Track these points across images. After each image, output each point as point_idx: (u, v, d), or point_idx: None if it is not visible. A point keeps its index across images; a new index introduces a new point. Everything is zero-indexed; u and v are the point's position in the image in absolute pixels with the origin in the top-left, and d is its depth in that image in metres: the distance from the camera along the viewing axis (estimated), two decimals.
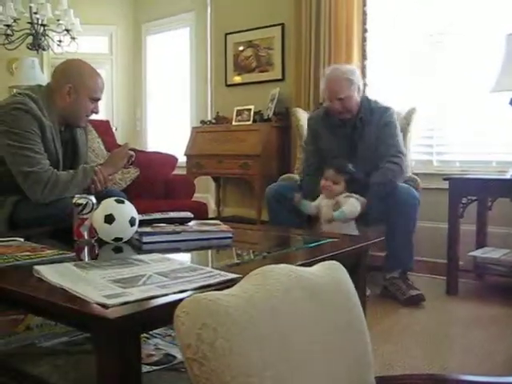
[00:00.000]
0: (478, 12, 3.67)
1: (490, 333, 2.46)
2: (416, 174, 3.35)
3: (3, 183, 2.25)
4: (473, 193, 3.16)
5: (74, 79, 2.34)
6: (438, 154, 3.92)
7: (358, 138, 3.02)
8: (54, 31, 5.10)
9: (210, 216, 4.82)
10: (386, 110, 3.04)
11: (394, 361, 2.11)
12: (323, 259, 1.13)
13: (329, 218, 2.75)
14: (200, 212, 3.41)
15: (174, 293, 1.07)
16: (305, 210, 2.89)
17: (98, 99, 2.42)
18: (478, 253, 3.26)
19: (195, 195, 4.03)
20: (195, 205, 3.56)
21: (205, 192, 5.16)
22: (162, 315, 1.01)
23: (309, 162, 3.20)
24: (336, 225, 2.73)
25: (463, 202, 3.13)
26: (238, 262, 1.49)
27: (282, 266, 0.96)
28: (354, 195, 2.78)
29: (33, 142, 2.20)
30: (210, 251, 1.77)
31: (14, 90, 5.36)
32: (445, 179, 3.18)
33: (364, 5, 4.05)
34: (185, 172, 4.65)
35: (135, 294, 1.06)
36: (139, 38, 6.27)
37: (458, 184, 3.14)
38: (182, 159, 4.63)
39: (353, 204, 2.74)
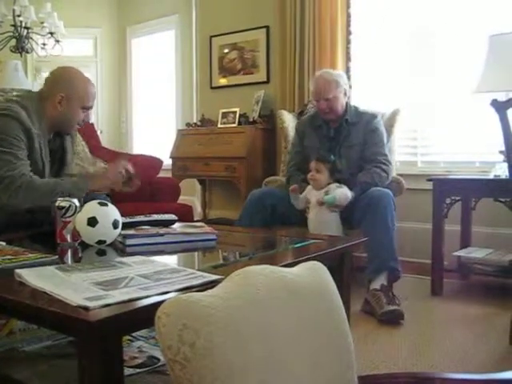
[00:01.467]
0: (462, 13, 3.71)
1: (474, 332, 2.48)
2: (400, 175, 3.37)
3: None
4: (456, 193, 3.19)
5: (67, 88, 2.31)
6: (423, 155, 3.95)
7: (343, 139, 3.09)
8: (38, 34, 5.08)
9: (196, 218, 4.81)
10: (374, 116, 3.15)
11: (378, 361, 2.12)
12: (307, 260, 1.13)
13: (318, 200, 2.79)
14: (185, 214, 3.40)
15: (156, 294, 1.07)
16: (296, 204, 2.91)
17: (90, 108, 2.40)
18: (462, 252, 3.28)
19: (181, 198, 4.02)
20: (180, 207, 3.56)
21: (191, 194, 5.15)
22: (144, 317, 1.00)
23: (292, 162, 3.28)
24: (324, 214, 2.77)
25: (447, 202, 3.15)
26: (221, 263, 1.49)
27: (264, 266, 0.96)
28: (344, 186, 2.82)
29: (16, 147, 2.17)
30: (193, 253, 1.77)
31: None
32: (428, 180, 3.21)
33: (348, 7, 4.07)
34: (170, 175, 4.64)
35: (117, 296, 1.05)
36: (124, 40, 6.25)
37: (442, 184, 3.16)
38: (167, 162, 4.62)
39: (343, 192, 2.78)
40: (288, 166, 3.33)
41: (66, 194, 2.13)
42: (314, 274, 1.01)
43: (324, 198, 2.77)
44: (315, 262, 1.05)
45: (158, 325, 0.80)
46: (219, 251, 1.78)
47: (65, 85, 2.32)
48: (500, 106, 2.28)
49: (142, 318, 1.03)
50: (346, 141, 3.08)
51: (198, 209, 5.12)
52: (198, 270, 1.29)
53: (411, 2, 3.92)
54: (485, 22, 3.56)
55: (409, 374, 1.52)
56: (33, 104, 2.27)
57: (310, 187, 2.91)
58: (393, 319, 2.58)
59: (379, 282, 2.76)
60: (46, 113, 2.31)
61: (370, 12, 4.10)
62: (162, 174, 4.11)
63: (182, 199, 4.22)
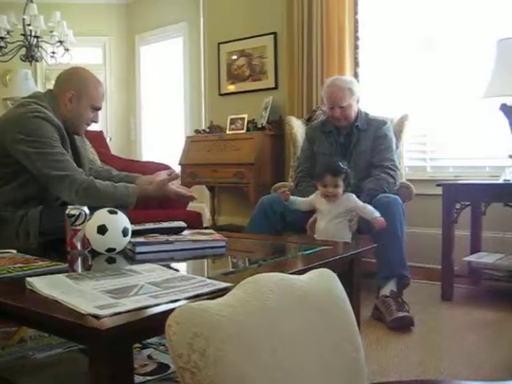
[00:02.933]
0: (470, 18, 3.70)
1: (485, 338, 2.47)
2: (410, 181, 3.36)
3: (19, 194, 2.25)
4: (466, 198, 3.17)
5: (77, 86, 2.34)
6: (432, 160, 3.94)
7: (353, 145, 3.11)
8: (48, 43, 5.13)
9: (205, 225, 4.82)
10: (384, 123, 3.16)
11: (389, 367, 2.11)
12: (316, 267, 1.13)
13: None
14: (194, 221, 3.40)
15: (166, 302, 1.07)
16: (294, 206, 2.76)
17: (99, 108, 2.42)
18: (472, 258, 3.27)
19: (190, 204, 4.03)
20: (189, 214, 3.56)
21: (199, 201, 5.15)
22: (154, 325, 1.01)
23: (301, 167, 3.27)
24: (336, 224, 2.65)
25: (457, 207, 3.14)
26: (231, 270, 1.49)
27: (274, 274, 0.97)
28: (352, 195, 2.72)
29: (59, 147, 2.21)
30: (203, 260, 1.77)
31: (8, 102, 5.38)
32: (438, 185, 3.19)
33: (355, 13, 4.07)
34: (179, 181, 4.64)
35: (127, 304, 1.06)
36: (132, 48, 6.30)
37: (452, 189, 3.15)
38: (176, 169, 4.63)
39: (370, 209, 2.66)
40: (297, 172, 3.33)
41: (123, 199, 2.19)
42: (323, 281, 1.02)
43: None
44: (325, 269, 1.05)
45: (168, 333, 0.80)
46: (229, 258, 1.78)
47: (75, 83, 2.35)
48: (509, 111, 2.27)
49: (152, 326, 1.03)
50: (355, 147, 3.09)
51: (207, 215, 5.13)
52: (208, 277, 1.29)
53: (419, 7, 3.92)
54: (493, 26, 3.55)
55: (420, 382, 1.51)
56: (48, 103, 2.30)
57: (317, 193, 2.76)
58: (403, 326, 2.57)
59: (389, 288, 2.75)
60: (59, 111, 2.34)
61: (378, 18, 4.10)
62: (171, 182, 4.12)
63: (191, 206, 4.23)
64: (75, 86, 2.34)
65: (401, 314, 2.59)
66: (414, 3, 3.94)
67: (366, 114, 3.20)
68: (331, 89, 3.14)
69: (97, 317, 0.99)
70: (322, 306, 0.97)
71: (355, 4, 4.06)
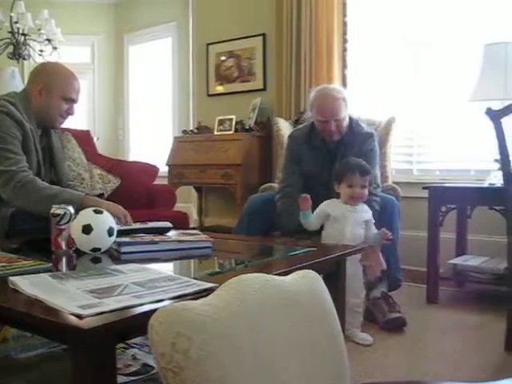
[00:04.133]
0: (458, 22, 3.73)
1: (470, 340, 2.48)
2: (396, 183, 3.37)
3: None
4: (452, 201, 3.19)
5: (47, 78, 2.33)
6: (418, 163, 3.96)
7: (338, 161, 2.83)
8: (35, 41, 5.09)
9: (192, 226, 4.81)
10: (369, 136, 2.92)
11: (374, 369, 2.12)
12: (302, 268, 1.13)
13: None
14: (181, 222, 3.40)
15: (150, 302, 1.07)
16: (307, 223, 2.53)
17: (72, 100, 2.38)
18: (458, 260, 3.29)
19: (177, 205, 4.02)
20: (176, 214, 3.56)
21: (187, 202, 5.15)
22: (138, 325, 1.00)
23: (286, 182, 2.95)
24: (357, 230, 2.48)
25: (442, 210, 3.15)
26: (216, 271, 1.49)
27: (258, 274, 0.97)
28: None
29: (12, 144, 2.18)
30: (188, 261, 1.77)
31: None
32: (424, 188, 3.21)
33: (344, 15, 4.10)
34: (167, 182, 4.64)
35: (111, 304, 1.05)
36: (121, 47, 6.27)
37: (438, 192, 3.17)
38: (164, 169, 4.62)
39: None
40: (282, 185, 2.97)
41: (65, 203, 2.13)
42: (307, 282, 1.02)
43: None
44: (309, 271, 1.05)
45: (151, 333, 0.80)
46: (214, 259, 1.78)
47: (45, 75, 2.35)
48: (494, 115, 2.29)
49: (135, 325, 1.03)
50: (340, 161, 2.78)
51: (194, 216, 5.12)
52: (193, 277, 1.29)
53: (407, 11, 3.95)
54: (480, 30, 3.58)
55: (403, 382, 1.52)
56: (20, 100, 2.30)
57: (328, 202, 2.55)
58: (396, 327, 2.60)
59: (380, 289, 2.76)
60: (32, 106, 2.33)
61: (366, 21, 4.13)
62: (158, 181, 4.12)
63: (179, 206, 4.22)
64: (44, 79, 2.34)
65: (394, 315, 2.61)
66: (402, 6, 3.97)
67: (352, 124, 2.92)
68: (325, 100, 2.84)
69: (79, 316, 0.98)
70: (305, 306, 0.97)
71: (344, 6, 4.09)
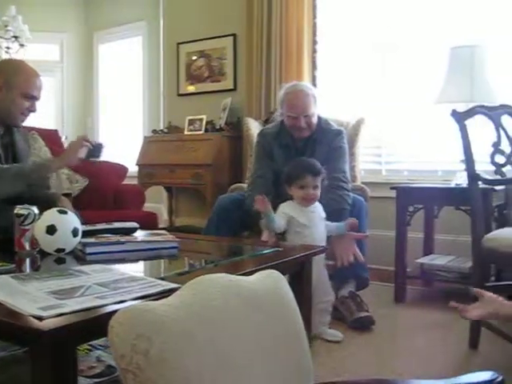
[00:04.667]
0: (424, 26, 3.78)
1: (436, 337, 2.52)
2: (365, 183, 3.40)
3: None
4: (419, 201, 3.24)
5: (6, 75, 2.30)
6: (387, 164, 4.01)
7: (309, 157, 2.80)
8: (2, 37, 5.00)
9: (163, 226, 4.78)
10: (339, 132, 2.93)
11: (343, 367, 2.13)
12: (267, 268, 1.13)
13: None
14: (150, 222, 3.37)
15: (112, 303, 1.06)
16: (273, 226, 2.40)
17: (33, 97, 2.36)
18: (425, 260, 3.34)
19: (148, 205, 4.00)
20: (145, 215, 3.54)
21: (157, 202, 5.12)
22: (100, 326, 0.99)
23: (259, 172, 2.94)
24: (322, 231, 2.47)
25: (410, 210, 3.20)
26: (179, 272, 1.48)
27: (220, 274, 0.97)
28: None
29: None
30: (154, 261, 1.76)
31: None
32: (392, 188, 3.25)
33: (314, 17, 4.12)
34: (137, 182, 4.60)
35: (72, 305, 1.04)
36: (91, 46, 6.19)
37: (405, 193, 3.20)
38: (134, 169, 4.59)
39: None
40: (254, 176, 2.95)
41: (32, 176, 2.14)
42: (270, 282, 1.02)
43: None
44: (272, 271, 1.06)
45: (111, 334, 0.79)
46: (180, 259, 1.77)
47: (4, 72, 2.33)
48: (459, 117, 2.33)
49: (97, 327, 1.01)
50: (310, 157, 2.77)
51: (164, 216, 5.09)
52: (158, 278, 1.28)
53: (375, 14, 3.99)
54: (446, 34, 3.64)
55: (371, 380, 1.53)
56: None
57: (288, 205, 2.46)
58: (364, 325, 2.62)
59: (348, 289, 2.78)
60: None
61: (336, 23, 4.16)
62: (128, 182, 4.08)
63: (149, 207, 4.20)
64: (4, 75, 2.31)
65: (362, 314, 2.63)
66: (370, 9, 4.01)
67: (321, 122, 2.92)
68: (295, 96, 2.85)
69: (39, 318, 0.97)
70: (267, 306, 0.97)
71: (314, 8, 4.11)
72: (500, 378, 0.92)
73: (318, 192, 2.43)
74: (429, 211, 3.42)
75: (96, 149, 2.35)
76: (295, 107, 2.83)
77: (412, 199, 3.22)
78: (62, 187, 3.33)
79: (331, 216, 2.55)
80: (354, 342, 2.46)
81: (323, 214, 2.50)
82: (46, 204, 2.08)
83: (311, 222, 2.41)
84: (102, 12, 6.02)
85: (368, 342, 2.47)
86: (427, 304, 3.10)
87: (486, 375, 0.95)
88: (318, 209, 2.48)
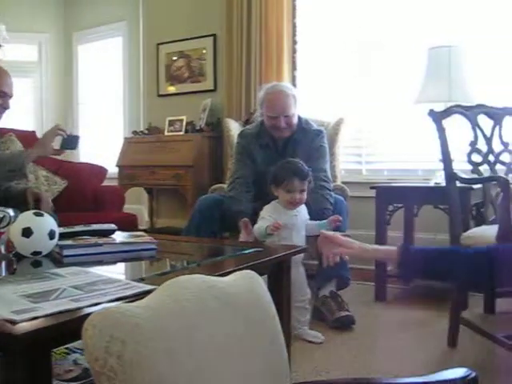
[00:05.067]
0: (403, 26, 3.82)
1: (415, 336, 2.55)
2: (345, 183, 3.42)
3: None
4: (399, 200, 3.26)
5: None
6: (367, 163, 4.03)
7: (289, 157, 2.78)
8: None
9: (144, 228, 4.76)
10: (319, 132, 2.95)
11: (323, 366, 2.14)
12: (245, 268, 1.13)
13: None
14: (129, 223, 3.36)
15: (87, 306, 1.05)
16: (263, 237, 2.39)
17: (4, 93, 2.35)
18: None
19: (129, 206, 3.98)
20: (124, 216, 3.52)
21: (138, 203, 5.09)
22: (74, 329, 0.98)
23: (238, 173, 2.94)
24: (302, 235, 2.45)
25: (390, 209, 3.22)
26: (156, 273, 1.48)
27: (196, 276, 0.96)
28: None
29: None
30: (131, 263, 1.74)
31: None
32: (372, 188, 3.27)
33: (294, 17, 4.13)
34: (117, 183, 4.57)
35: (46, 308, 1.03)
36: (70, 46, 6.14)
37: (384, 192, 3.23)
38: (114, 170, 4.56)
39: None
40: (234, 177, 2.95)
41: (8, 164, 2.16)
42: (246, 282, 1.02)
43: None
44: (248, 271, 1.05)
45: (84, 337, 0.79)
46: (158, 260, 1.77)
47: None
48: (436, 117, 2.35)
49: (71, 330, 1.00)
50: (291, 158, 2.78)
51: (145, 218, 5.07)
52: (134, 280, 1.27)
53: (355, 14, 4.02)
54: (425, 34, 3.67)
55: (347, 380, 1.54)
56: None
57: (272, 207, 2.44)
58: (345, 325, 2.63)
59: (329, 288, 2.79)
60: None
61: (315, 23, 4.17)
62: (108, 183, 4.06)
63: (130, 208, 4.18)
64: None
65: (342, 314, 2.65)
66: (350, 10, 4.03)
67: (301, 122, 2.95)
68: (275, 96, 2.87)
69: (13, 322, 0.95)
70: (243, 307, 0.97)
71: (293, 8, 4.12)
72: (473, 375, 0.92)
73: (305, 196, 2.40)
74: (408, 210, 3.44)
75: (72, 140, 2.42)
76: (275, 108, 2.84)
77: (391, 198, 3.25)
78: (40, 189, 3.29)
79: (314, 216, 2.56)
80: (334, 341, 2.47)
81: (306, 216, 2.50)
82: (20, 199, 2.09)
83: (293, 226, 2.41)
84: (81, 12, 5.97)
85: (349, 341, 2.48)
86: (407, 303, 3.13)
87: (460, 372, 0.95)
88: (301, 212, 2.47)
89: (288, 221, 2.39)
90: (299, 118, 2.95)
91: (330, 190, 2.82)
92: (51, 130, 2.42)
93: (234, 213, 2.75)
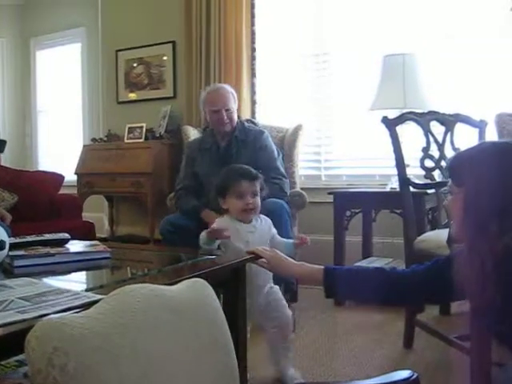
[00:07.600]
0: (360, 34, 3.88)
1: (372, 338, 2.59)
2: (305, 189, 3.45)
3: None
4: (357, 205, 3.31)
5: None
6: (326, 169, 4.08)
7: (234, 158, 2.93)
8: None
9: (104, 235, 4.71)
10: (261, 132, 3.07)
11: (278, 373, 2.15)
12: (197, 276, 1.14)
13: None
14: (87, 232, 3.32)
15: (34, 318, 1.03)
16: (207, 244, 2.00)
17: None
18: (363, 263, 3.41)
19: (89, 215, 3.93)
20: (82, 225, 3.47)
21: (98, 211, 5.02)
22: (20, 341, 0.97)
23: (181, 184, 3.10)
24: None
25: (347, 214, 3.27)
26: (106, 283, 1.47)
27: (143, 285, 0.96)
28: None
29: None
30: (84, 272, 1.73)
31: None
32: (329, 193, 3.31)
33: (253, 25, 4.15)
34: (76, 191, 4.51)
35: None
36: (27, 52, 6.03)
37: (342, 197, 3.28)
38: (73, 178, 4.50)
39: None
40: (177, 188, 3.12)
41: None
42: (194, 290, 1.02)
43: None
44: (197, 279, 1.06)
45: (27, 349, 0.78)
46: (111, 269, 1.75)
47: None
48: (389, 123, 2.40)
49: (17, 342, 0.99)
50: (237, 159, 2.86)
51: (105, 226, 5.01)
52: (84, 290, 1.26)
53: (311, 23, 4.07)
54: (380, 42, 3.75)
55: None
56: None
57: (224, 222, 2.09)
58: None
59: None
60: None
61: (274, 30, 4.21)
62: (67, 191, 4.00)
63: (90, 216, 4.12)
64: None
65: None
66: (307, 17, 4.08)
67: (243, 123, 3.14)
68: (216, 92, 3.12)
69: None
70: (191, 314, 0.97)
71: (252, 16, 4.13)
72: (415, 376, 0.95)
73: (258, 200, 2.09)
74: (366, 215, 3.50)
75: None
76: (216, 101, 3.06)
77: (349, 204, 3.29)
78: None
79: (271, 206, 2.55)
80: (294, 345, 2.47)
81: (270, 234, 2.16)
82: None
83: (247, 244, 2.00)
84: (39, 17, 5.88)
85: (306, 345, 2.51)
86: (365, 307, 3.16)
87: (404, 374, 0.98)
88: (259, 229, 2.10)
89: (242, 240, 2.02)
90: (241, 119, 3.18)
91: (281, 180, 2.93)
92: None
93: (191, 210, 2.85)
